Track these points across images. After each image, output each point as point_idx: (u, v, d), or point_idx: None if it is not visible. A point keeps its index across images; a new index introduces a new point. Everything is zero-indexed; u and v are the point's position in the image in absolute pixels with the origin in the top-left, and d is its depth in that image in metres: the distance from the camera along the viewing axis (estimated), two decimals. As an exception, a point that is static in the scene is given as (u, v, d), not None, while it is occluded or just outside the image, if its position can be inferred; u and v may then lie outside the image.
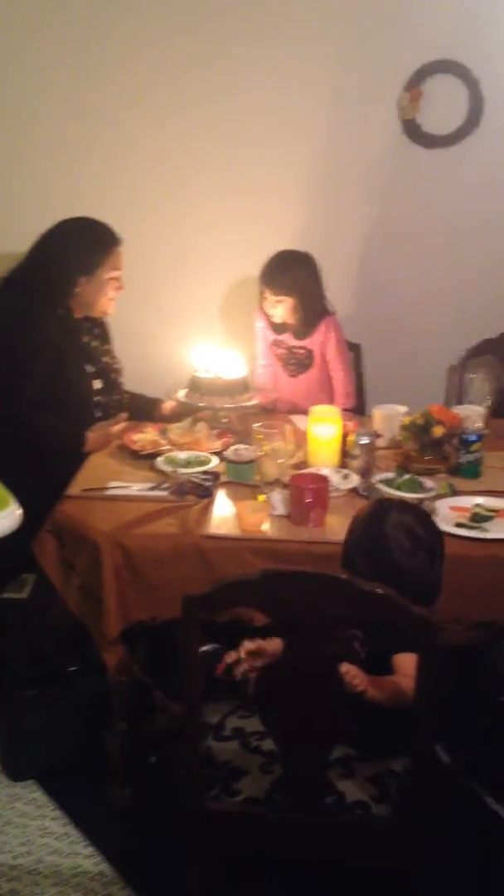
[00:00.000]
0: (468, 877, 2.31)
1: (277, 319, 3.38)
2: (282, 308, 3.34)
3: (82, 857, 2.38)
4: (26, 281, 2.98)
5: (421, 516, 2.06)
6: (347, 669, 1.78)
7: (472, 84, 3.58)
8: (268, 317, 3.44)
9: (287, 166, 3.67)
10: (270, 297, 3.33)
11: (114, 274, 3.03)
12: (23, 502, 2.04)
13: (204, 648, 2.24)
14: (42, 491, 2.50)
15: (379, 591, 1.64)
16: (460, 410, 2.92)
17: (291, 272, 3.32)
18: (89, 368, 3.09)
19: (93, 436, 2.93)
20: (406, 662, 1.94)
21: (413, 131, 3.65)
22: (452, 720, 2.60)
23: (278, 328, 3.46)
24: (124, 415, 3.04)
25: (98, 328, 3.19)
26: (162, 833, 2.39)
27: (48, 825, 2.49)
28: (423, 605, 1.79)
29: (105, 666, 2.41)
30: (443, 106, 3.61)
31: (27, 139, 3.63)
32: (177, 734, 1.86)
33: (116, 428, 2.96)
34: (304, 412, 2.96)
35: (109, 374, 3.17)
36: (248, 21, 3.52)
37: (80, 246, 2.98)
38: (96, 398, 3.11)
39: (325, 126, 3.64)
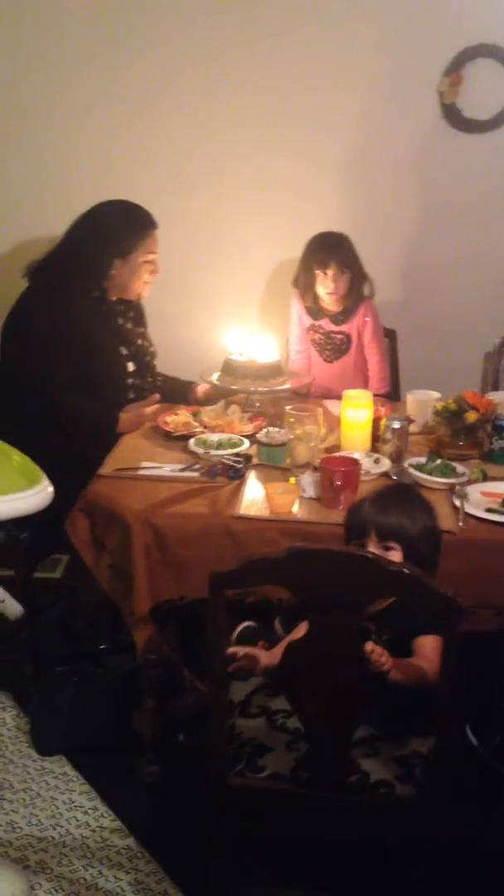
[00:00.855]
0: (493, 858, 2.31)
1: (332, 298, 3.36)
2: (342, 283, 3.32)
3: (109, 830, 2.41)
4: (61, 263, 3.00)
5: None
6: (373, 648, 1.78)
7: (512, 69, 3.54)
8: (307, 301, 3.43)
9: (325, 151, 3.66)
10: (331, 272, 3.31)
11: (149, 257, 3.04)
12: (56, 482, 2.06)
13: (241, 626, 2.27)
14: (75, 471, 2.53)
15: (406, 570, 1.64)
16: (494, 396, 2.91)
17: (345, 248, 3.33)
18: (123, 351, 3.11)
19: (125, 416, 2.95)
20: (427, 645, 1.96)
21: (453, 116, 3.62)
22: (481, 705, 2.61)
23: (316, 313, 3.45)
24: (156, 396, 3.05)
25: (133, 311, 3.20)
26: (188, 809, 2.42)
27: (76, 799, 2.52)
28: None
29: (135, 644, 2.44)
30: (483, 90, 3.56)
31: (64, 125, 3.64)
32: (204, 712, 1.88)
33: (149, 409, 2.98)
34: (338, 397, 2.95)
35: (143, 357, 3.19)
36: (286, 6, 3.50)
37: (116, 228, 2.99)
38: (130, 380, 3.13)
39: (364, 111, 3.62)
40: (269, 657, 1.99)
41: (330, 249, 3.32)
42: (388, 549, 2.00)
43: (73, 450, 2.74)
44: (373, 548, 1.99)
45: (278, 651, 1.99)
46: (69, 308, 2.93)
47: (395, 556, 1.99)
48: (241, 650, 1.98)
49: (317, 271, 3.34)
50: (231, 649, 1.97)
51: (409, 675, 1.86)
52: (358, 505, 2.11)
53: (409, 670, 1.88)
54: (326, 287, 3.34)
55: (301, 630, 1.96)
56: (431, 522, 2.09)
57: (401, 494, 2.15)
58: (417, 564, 1.91)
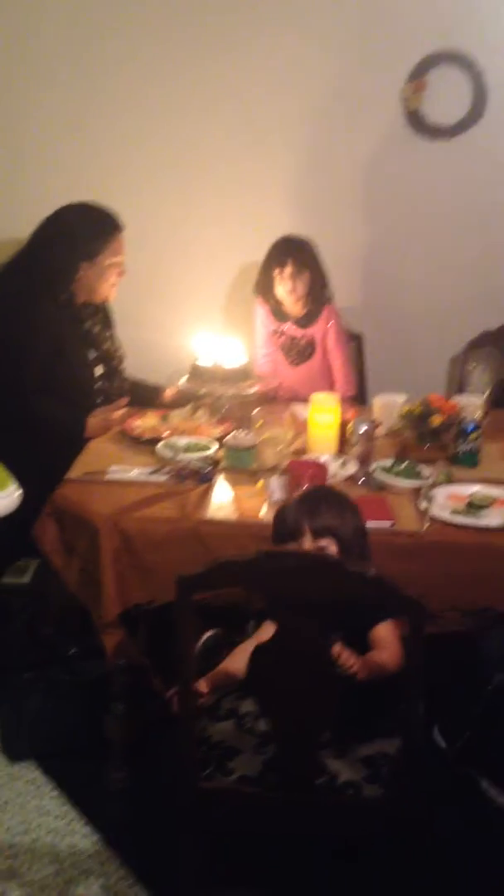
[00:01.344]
0: (463, 857, 2.33)
1: (291, 299, 3.39)
2: (301, 282, 3.36)
3: (80, 836, 2.41)
4: (27, 266, 3.00)
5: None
6: (340, 651, 1.80)
7: (475, 75, 3.58)
8: (270, 305, 3.46)
9: (289, 157, 3.69)
10: (289, 270, 3.34)
11: (116, 259, 3.04)
12: (24, 487, 2.06)
13: (206, 635, 2.27)
14: (42, 476, 2.52)
15: (369, 572, 1.66)
16: (459, 400, 2.94)
17: (305, 250, 3.37)
18: (91, 355, 3.11)
19: (93, 421, 2.96)
20: (383, 635, 2.01)
21: (417, 122, 3.66)
22: (448, 706, 2.63)
23: (280, 316, 3.48)
24: (124, 400, 3.07)
25: (100, 314, 3.21)
26: (158, 813, 2.41)
27: (46, 805, 2.52)
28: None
29: (104, 649, 2.44)
30: (446, 97, 3.61)
31: (34, 128, 3.65)
32: (173, 717, 1.88)
33: (117, 413, 2.99)
34: (305, 400, 2.98)
35: (111, 361, 3.19)
36: (252, 14, 3.53)
37: (82, 231, 2.99)
38: (98, 384, 3.14)
39: (328, 117, 3.66)
40: (232, 662, 2.00)
41: (287, 249, 3.36)
42: (321, 548, 2.02)
43: (40, 455, 2.73)
44: (308, 546, 2.02)
45: (241, 655, 2.00)
46: (36, 313, 2.93)
47: (331, 551, 2.02)
48: (204, 687, 2.00)
49: (276, 271, 3.37)
50: (198, 686, 1.97)
51: (374, 671, 1.89)
52: (285, 507, 2.13)
53: (373, 666, 1.90)
54: (285, 286, 3.37)
55: (265, 632, 1.98)
56: (360, 522, 2.12)
57: (328, 495, 2.17)
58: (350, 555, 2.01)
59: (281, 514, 2.12)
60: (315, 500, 2.10)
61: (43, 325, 2.94)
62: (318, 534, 2.03)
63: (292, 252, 3.35)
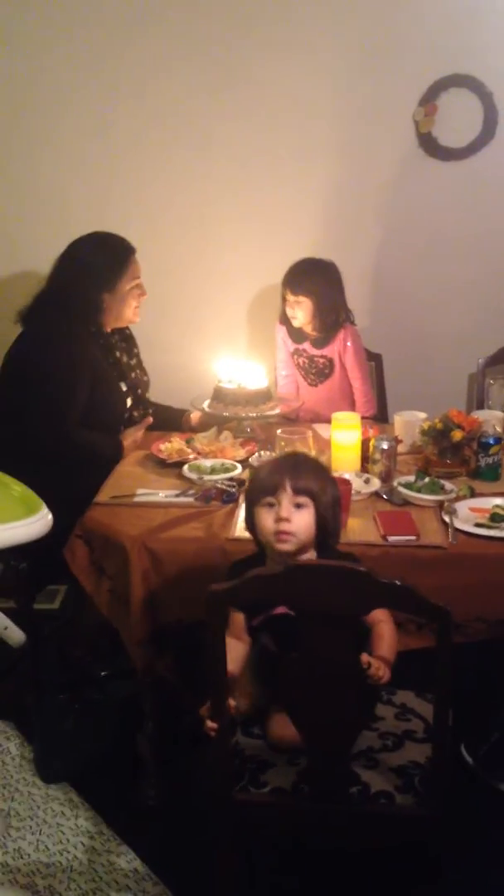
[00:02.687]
0: (491, 867, 2.34)
1: (296, 323, 3.45)
2: (300, 310, 3.40)
3: (115, 854, 2.44)
4: (52, 306, 3.04)
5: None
6: (370, 661, 1.83)
7: (485, 97, 3.64)
8: (288, 326, 3.51)
9: (305, 180, 3.75)
10: (290, 298, 3.40)
11: (135, 282, 3.10)
12: (54, 511, 2.10)
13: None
14: (71, 501, 2.57)
15: (397, 583, 1.69)
16: (479, 415, 2.97)
17: (312, 275, 3.39)
18: (123, 386, 3.18)
19: (126, 444, 3.04)
20: (377, 615, 2.05)
21: (429, 145, 3.72)
22: (473, 717, 2.65)
23: (298, 337, 3.52)
24: (149, 419, 3.15)
25: (124, 341, 3.27)
26: (192, 829, 2.45)
27: (82, 825, 2.55)
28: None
29: (134, 668, 2.47)
30: (458, 119, 3.67)
31: (57, 162, 3.73)
32: (205, 735, 1.91)
33: (140, 432, 3.09)
34: (326, 420, 3.02)
35: (138, 390, 3.26)
36: (265, 41, 3.60)
37: (98, 264, 3.04)
38: (127, 414, 3.20)
39: (341, 141, 3.72)
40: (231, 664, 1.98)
41: (292, 276, 3.41)
42: (299, 506, 2.02)
43: (68, 480, 2.78)
44: (286, 502, 2.01)
45: (238, 651, 2.03)
46: (73, 346, 2.98)
47: (307, 513, 2.02)
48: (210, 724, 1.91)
49: (286, 296, 3.43)
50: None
51: (391, 661, 1.95)
52: (263, 466, 2.15)
53: (391, 655, 1.97)
54: (289, 312, 3.44)
55: (235, 621, 2.03)
56: (337, 495, 2.11)
57: (308, 460, 2.16)
58: (324, 530, 2.05)
59: (260, 472, 2.13)
60: (296, 462, 2.11)
61: (81, 357, 2.99)
62: (297, 491, 2.02)
63: (295, 280, 3.39)
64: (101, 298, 3.05)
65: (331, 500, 2.07)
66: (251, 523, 2.12)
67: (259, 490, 2.08)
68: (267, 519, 2.04)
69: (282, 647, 1.97)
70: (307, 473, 2.05)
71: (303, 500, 2.02)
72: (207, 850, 1.99)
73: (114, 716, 2.76)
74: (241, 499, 2.64)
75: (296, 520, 2.01)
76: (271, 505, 2.04)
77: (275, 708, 2.02)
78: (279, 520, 2.01)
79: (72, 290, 3.02)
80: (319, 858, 2.18)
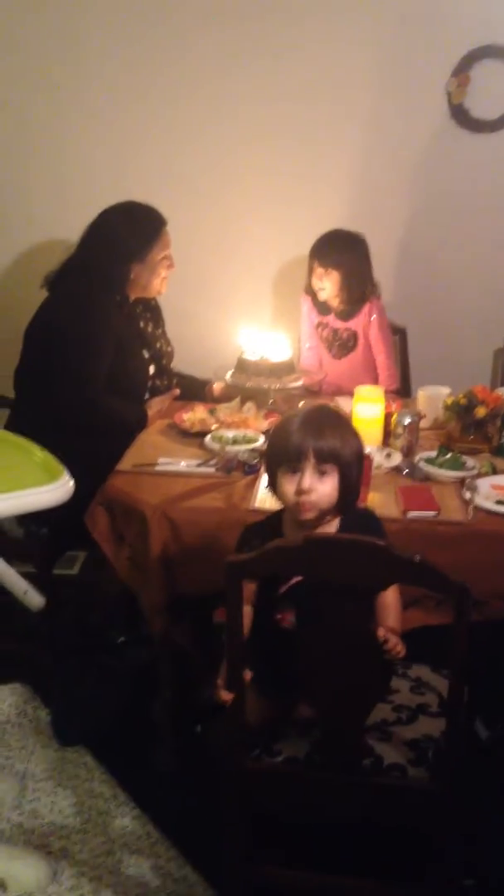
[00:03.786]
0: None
1: (323, 295, 3.43)
2: (328, 282, 3.38)
3: (130, 818, 2.47)
4: (82, 269, 3.04)
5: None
6: (387, 636, 1.84)
7: (519, 69, 3.59)
8: (313, 298, 3.50)
9: (335, 150, 3.71)
10: (318, 270, 3.38)
11: (164, 253, 3.09)
12: (76, 478, 2.12)
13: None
14: (93, 468, 2.58)
15: (417, 558, 1.69)
16: (503, 392, 2.95)
17: (340, 248, 3.37)
18: (145, 354, 3.18)
19: (151, 413, 3.06)
20: (391, 600, 2.05)
21: (461, 116, 3.67)
22: (491, 695, 2.65)
23: (323, 309, 3.51)
24: (177, 390, 3.16)
25: (150, 312, 3.26)
26: (205, 796, 2.46)
27: (97, 788, 2.58)
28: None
29: (152, 636, 2.49)
30: (490, 91, 3.62)
31: (77, 126, 3.71)
32: (220, 705, 1.92)
33: (167, 401, 3.11)
34: (349, 394, 3.01)
35: (161, 360, 3.26)
36: (292, 11, 3.55)
37: (129, 234, 3.03)
38: (150, 382, 3.21)
39: (373, 112, 3.68)
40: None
41: (320, 248, 3.38)
42: (323, 473, 1.95)
43: (91, 447, 2.79)
44: (310, 471, 1.94)
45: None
46: (99, 313, 2.98)
47: (330, 480, 1.96)
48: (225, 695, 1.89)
49: (311, 268, 3.41)
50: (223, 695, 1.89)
51: (398, 631, 1.95)
52: (285, 427, 2.00)
53: (398, 627, 1.99)
54: (316, 283, 3.42)
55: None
56: (360, 446, 2.03)
57: (331, 417, 2.05)
58: (347, 490, 1.98)
59: (282, 434, 2.00)
60: (318, 422, 1.98)
61: (106, 323, 2.99)
62: (322, 458, 1.94)
63: (323, 252, 3.37)
64: (130, 268, 3.05)
65: (355, 455, 1.99)
66: (273, 483, 2.06)
67: (280, 455, 2.00)
68: (289, 486, 1.97)
69: (299, 620, 1.98)
70: (331, 434, 1.96)
71: (327, 466, 1.95)
72: (220, 816, 2.00)
73: (130, 682, 2.79)
74: (263, 470, 2.64)
75: (319, 489, 1.95)
76: (294, 471, 1.97)
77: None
78: (301, 491, 1.96)
79: (100, 258, 3.02)
80: (329, 830, 2.20)
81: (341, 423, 2.03)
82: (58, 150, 3.73)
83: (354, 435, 2.03)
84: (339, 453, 1.95)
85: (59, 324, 2.99)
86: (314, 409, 2.08)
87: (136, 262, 3.05)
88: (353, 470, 1.99)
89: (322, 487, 1.96)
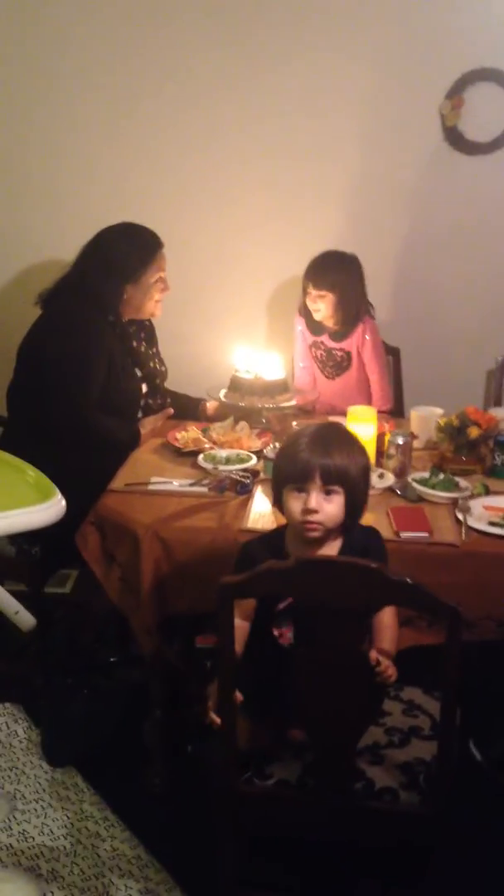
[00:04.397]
0: (497, 864, 2.34)
1: (318, 317, 3.44)
2: (322, 304, 3.39)
3: (119, 840, 2.45)
4: (73, 292, 3.04)
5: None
6: (378, 658, 1.83)
7: (512, 91, 3.61)
8: (307, 318, 3.51)
9: (329, 171, 3.73)
10: (312, 292, 3.39)
11: (159, 276, 3.09)
12: (68, 497, 2.11)
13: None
14: (85, 486, 2.58)
15: (408, 580, 1.69)
16: (496, 412, 2.95)
17: (335, 270, 3.38)
18: (138, 372, 3.18)
19: (144, 432, 3.05)
20: (387, 621, 2.08)
21: (454, 138, 3.69)
22: (483, 716, 2.65)
23: (316, 329, 3.52)
24: (170, 410, 3.15)
25: (144, 331, 3.26)
26: (196, 818, 2.45)
27: (87, 809, 2.56)
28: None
29: (143, 656, 2.48)
30: (484, 113, 3.64)
31: (77, 152, 3.72)
32: (211, 725, 1.91)
33: (160, 421, 3.10)
34: (342, 413, 3.01)
35: (155, 379, 3.26)
36: (291, 31, 3.58)
37: (124, 255, 3.03)
38: (142, 401, 3.21)
39: (366, 134, 3.69)
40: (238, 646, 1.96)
41: (314, 270, 3.39)
42: (330, 493, 1.96)
43: (84, 466, 2.79)
44: (315, 493, 1.94)
45: (244, 633, 2.00)
46: (91, 333, 2.98)
47: (337, 500, 1.96)
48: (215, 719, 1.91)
49: (305, 289, 3.42)
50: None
51: (393, 654, 1.96)
52: (293, 445, 2.00)
53: (392, 650, 2.00)
54: (310, 305, 3.43)
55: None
56: (367, 463, 2.04)
57: (340, 435, 2.04)
58: (353, 508, 1.99)
59: (290, 452, 2.00)
60: (325, 440, 1.98)
61: (98, 343, 2.99)
62: (328, 480, 1.94)
63: (316, 276, 3.38)
64: (124, 289, 3.05)
65: (362, 474, 1.99)
66: (279, 500, 2.05)
67: (287, 473, 2.00)
68: (295, 504, 1.98)
69: (297, 637, 1.97)
70: (338, 454, 1.96)
71: (334, 486, 1.96)
72: (211, 840, 1.99)
73: (121, 702, 2.78)
74: (255, 490, 2.64)
75: (326, 508, 1.96)
76: (300, 490, 1.97)
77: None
78: (307, 511, 1.96)
79: (95, 277, 3.02)
80: (320, 852, 2.18)
81: (350, 442, 2.03)
82: (54, 167, 3.74)
83: (362, 453, 2.03)
84: (346, 474, 1.96)
85: (52, 343, 2.99)
86: (323, 428, 2.08)
87: (130, 284, 3.05)
88: (359, 489, 2.00)
89: (329, 507, 1.97)
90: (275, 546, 2.06)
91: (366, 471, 2.03)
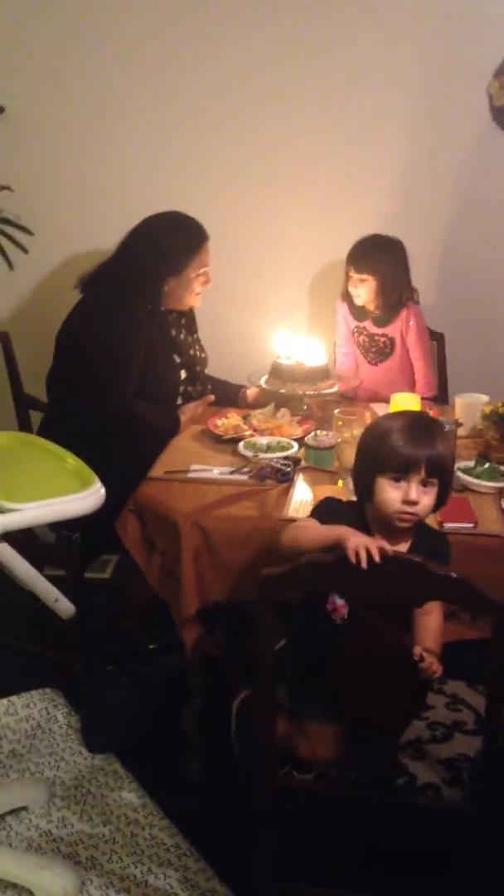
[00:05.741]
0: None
1: (359, 301, 3.39)
2: (364, 289, 3.34)
3: (158, 828, 2.45)
4: (114, 278, 3.01)
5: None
6: (423, 655, 1.80)
7: None
8: (349, 303, 3.46)
9: (374, 153, 3.66)
10: (354, 276, 3.34)
11: (201, 270, 3.05)
12: (107, 484, 2.10)
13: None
14: (126, 473, 2.57)
15: (453, 575, 1.65)
16: (543, 400, 2.90)
17: (377, 254, 3.33)
18: (176, 359, 3.15)
19: (184, 419, 3.03)
20: (433, 621, 2.06)
21: (502, 118, 3.61)
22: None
23: (359, 314, 3.47)
24: (211, 396, 3.13)
25: (185, 318, 3.23)
26: (235, 808, 2.43)
27: (126, 797, 2.56)
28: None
29: (183, 644, 2.47)
30: (533, 92, 3.56)
31: (118, 136, 3.67)
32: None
33: (200, 407, 3.08)
34: (385, 400, 2.97)
35: (195, 366, 3.23)
36: (335, 14, 3.51)
37: (168, 247, 2.98)
38: (182, 388, 3.18)
39: (413, 114, 3.62)
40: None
41: (356, 254, 3.35)
42: (427, 484, 1.95)
43: (124, 453, 2.78)
44: (416, 485, 1.93)
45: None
46: (131, 320, 2.95)
47: (432, 493, 1.97)
48: None
49: (348, 273, 3.37)
50: None
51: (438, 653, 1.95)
52: (388, 433, 1.97)
53: (437, 649, 1.97)
54: (352, 290, 3.38)
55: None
56: (453, 449, 2.08)
57: (436, 426, 2.06)
58: (442, 497, 2.01)
59: (386, 440, 1.97)
60: (429, 430, 1.99)
61: (138, 329, 2.96)
62: (431, 471, 1.94)
63: (359, 257, 3.33)
64: (165, 281, 3.01)
65: (450, 468, 2.02)
66: (366, 487, 2.01)
67: (385, 462, 1.96)
68: (394, 494, 1.95)
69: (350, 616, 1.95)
70: (441, 445, 1.97)
71: (433, 479, 1.96)
72: (250, 829, 1.98)
73: (161, 690, 2.77)
74: (296, 478, 2.61)
75: (423, 500, 1.96)
76: (398, 479, 1.95)
77: (310, 723, 1.95)
78: (409, 502, 1.94)
79: (136, 267, 2.98)
80: (362, 846, 2.17)
81: (444, 434, 2.06)
82: (90, 154, 3.70)
83: (450, 445, 2.04)
84: (445, 465, 1.99)
85: (90, 332, 2.97)
86: (419, 418, 2.09)
87: (172, 277, 3.01)
88: (448, 477, 2.03)
89: (425, 499, 1.97)
90: (359, 521, 2.01)
91: (452, 461, 2.04)
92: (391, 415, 2.10)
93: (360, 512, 2.07)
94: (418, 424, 2.00)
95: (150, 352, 3.00)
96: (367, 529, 1.99)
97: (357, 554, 1.66)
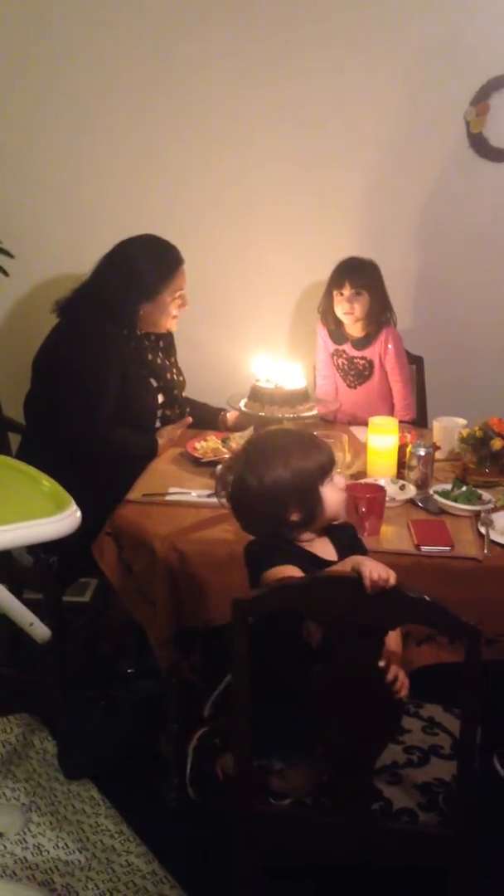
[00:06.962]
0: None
1: (349, 320, 3.39)
2: (358, 304, 3.35)
3: (135, 855, 2.42)
4: (89, 303, 3.01)
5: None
6: (396, 675, 1.80)
7: (538, 98, 3.57)
8: (328, 326, 3.47)
9: (351, 178, 3.68)
10: (347, 292, 3.35)
11: (177, 294, 3.06)
12: (85, 507, 2.09)
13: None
14: (103, 496, 2.57)
15: (426, 598, 1.65)
16: (520, 424, 2.91)
17: (367, 271, 3.37)
18: (154, 383, 3.15)
19: (162, 442, 3.02)
20: (394, 637, 2.03)
21: (480, 145, 3.64)
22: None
23: (338, 338, 3.48)
24: (189, 419, 3.12)
25: (163, 341, 3.23)
26: (212, 833, 2.42)
27: (102, 823, 2.53)
28: None
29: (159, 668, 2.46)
30: (510, 120, 3.60)
31: (95, 159, 3.69)
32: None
33: (178, 430, 3.07)
34: (364, 423, 2.97)
35: (172, 390, 3.23)
36: (312, 38, 3.54)
37: (143, 271, 2.98)
38: (159, 411, 3.18)
39: (391, 141, 3.65)
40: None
41: (347, 271, 3.36)
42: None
43: (101, 476, 2.77)
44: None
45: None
46: (106, 345, 2.95)
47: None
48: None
49: (334, 292, 3.38)
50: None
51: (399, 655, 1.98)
52: (310, 449, 2.09)
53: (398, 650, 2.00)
54: (342, 308, 3.38)
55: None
56: None
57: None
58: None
59: (309, 461, 2.06)
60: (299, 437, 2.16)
61: (112, 354, 2.96)
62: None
63: (352, 274, 3.36)
64: (140, 305, 3.01)
65: None
66: (314, 503, 2.02)
67: (320, 473, 2.04)
68: (333, 492, 2.04)
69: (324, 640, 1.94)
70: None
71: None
72: (227, 855, 1.96)
73: (138, 714, 2.75)
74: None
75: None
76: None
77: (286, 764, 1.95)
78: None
79: (111, 291, 2.98)
80: (338, 874, 2.15)
81: None
82: (72, 176, 3.71)
83: None
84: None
85: (65, 356, 2.97)
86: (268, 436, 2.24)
87: (147, 301, 3.01)
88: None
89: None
90: (298, 552, 2.02)
91: None
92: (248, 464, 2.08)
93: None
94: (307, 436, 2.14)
95: (127, 376, 2.99)
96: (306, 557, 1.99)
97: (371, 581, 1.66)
